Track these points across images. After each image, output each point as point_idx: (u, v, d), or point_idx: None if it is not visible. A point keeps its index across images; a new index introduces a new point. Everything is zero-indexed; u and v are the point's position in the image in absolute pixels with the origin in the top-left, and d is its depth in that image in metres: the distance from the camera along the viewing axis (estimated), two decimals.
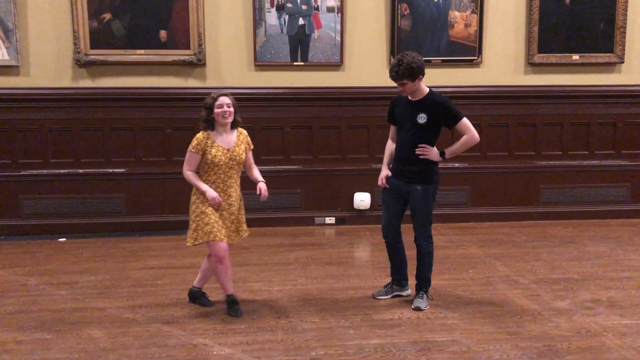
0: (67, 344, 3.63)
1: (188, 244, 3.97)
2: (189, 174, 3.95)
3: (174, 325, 3.88)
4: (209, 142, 3.90)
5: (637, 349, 3.51)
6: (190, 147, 3.93)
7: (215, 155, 3.87)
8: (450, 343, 3.60)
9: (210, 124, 3.92)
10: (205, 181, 3.92)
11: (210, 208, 3.88)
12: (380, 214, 4.39)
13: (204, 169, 3.95)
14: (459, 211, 6.60)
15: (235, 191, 3.99)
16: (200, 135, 3.94)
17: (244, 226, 4.14)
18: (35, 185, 6.21)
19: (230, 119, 3.90)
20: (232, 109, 3.89)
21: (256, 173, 4.13)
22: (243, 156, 3.96)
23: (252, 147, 4.09)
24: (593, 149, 6.73)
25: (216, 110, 3.86)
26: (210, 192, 3.86)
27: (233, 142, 3.94)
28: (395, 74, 3.91)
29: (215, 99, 3.87)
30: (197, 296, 4.25)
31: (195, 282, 4.27)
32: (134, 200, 6.32)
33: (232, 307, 4.04)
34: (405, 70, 3.86)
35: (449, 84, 6.27)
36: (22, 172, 6.21)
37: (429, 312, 4.08)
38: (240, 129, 4.05)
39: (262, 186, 4.01)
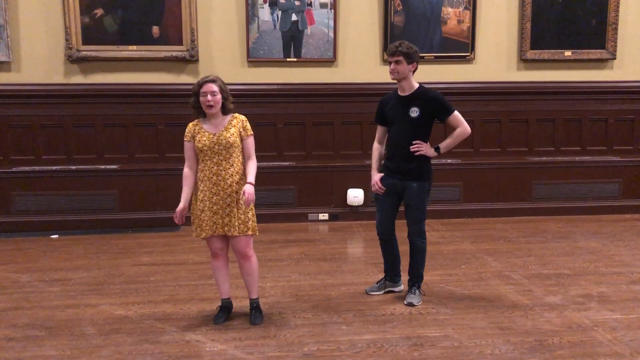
0: (59, 341, 3.62)
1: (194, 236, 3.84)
2: (184, 173, 3.77)
3: (167, 322, 3.88)
4: (197, 128, 3.72)
5: (627, 343, 3.53)
6: (184, 137, 3.78)
7: (200, 140, 3.67)
8: (442, 338, 3.61)
9: (199, 110, 3.72)
10: (198, 170, 3.74)
11: (202, 204, 3.69)
12: (374, 210, 4.40)
13: (198, 158, 3.76)
14: (452, 207, 6.62)
15: (224, 181, 3.65)
16: (190, 123, 3.77)
17: (239, 227, 3.69)
18: (27, 181, 6.19)
19: (214, 110, 3.65)
20: (217, 97, 3.64)
21: (249, 168, 3.71)
22: (231, 140, 3.65)
23: (249, 133, 3.74)
24: (585, 145, 6.77)
25: (201, 98, 3.66)
26: (180, 206, 3.71)
27: (222, 126, 3.70)
28: (395, 48, 3.97)
29: (200, 85, 3.66)
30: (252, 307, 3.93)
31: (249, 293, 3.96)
32: (126, 196, 6.30)
33: (219, 313, 3.92)
34: (405, 47, 3.96)
35: (442, 80, 6.28)
36: (14, 169, 6.18)
37: (421, 307, 4.09)
38: (236, 114, 3.77)
39: (246, 189, 3.59)
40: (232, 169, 3.69)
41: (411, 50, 3.98)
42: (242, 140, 3.75)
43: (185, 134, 3.78)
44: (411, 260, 4.23)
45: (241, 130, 3.75)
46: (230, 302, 3.97)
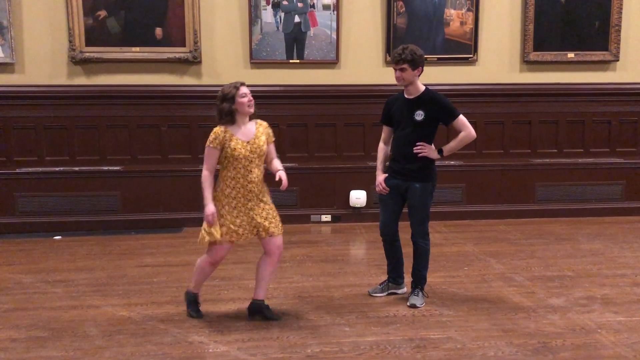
0: (62, 342, 3.63)
1: (199, 239, 3.80)
2: (205, 176, 3.72)
3: (170, 323, 3.88)
4: (227, 135, 3.70)
5: (631, 345, 3.52)
6: (208, 143, 3.73)
7: (235, 149, 3.68)
8: (445, 340, 3.61)
9: (232, 116, 3.71)
10: (225, 177, 3.74)
11: (236, 210, 3.73)
12: (376, 211, 4.40)
13: (224, 164, 3.75)
14: (455, 209, 6.61)
15: (256, 186, 3.77)
16: (217, 129, 3.73)
17: (279, 226, 3.85)
18: (31, 183, 6.20)
19: (253, 110, 3.74)
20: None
21: (276, 163, 3.91)
22: (264, 148, 3.77)
23: (273, 139, 3.89)
24: (588, 147, 6.75)
25: (240, 99, 3.68)
26: (208, 208, 3.70)
27: (252, 133, 3.76)
28: (398, 55, 3.95)
29: (238, 88, 3.70)
30: (260, 309, 3.98)
31: (257, 293, 3.97)
32: (129, 198, 6.31)
33: (193, 307, 4.02)
34: (409, 54, 3.92)
35: (444, 82, 6.28)
36: (18, 170, 6.19)
37: (424, 309, 4.09)
38: (259, 121, 3.84)
39: (282, 174, 3.81)
40: (258, 173, 3.80)
41: (415, 56, 3.94)
42: (266, 144, 3.85)
43: (211, 140, 3.73)
44: (414, 261, 4.23)
45: (267, 136, 3.85)
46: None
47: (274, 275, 4.06)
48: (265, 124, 3.88)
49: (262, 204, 3.81)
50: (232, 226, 3.75)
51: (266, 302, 4.00)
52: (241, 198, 3.75)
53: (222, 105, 3.73)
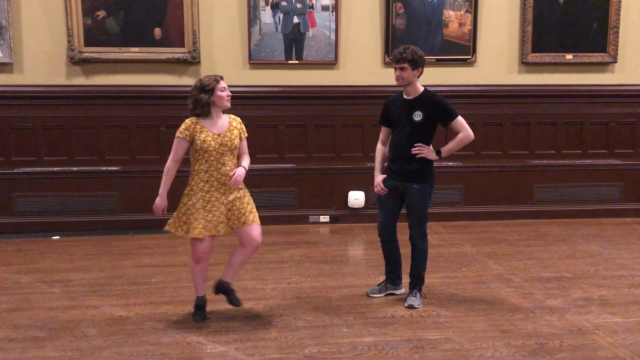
0: (60, 342, 3.63)
1: (166, 228, 3.84)
2: (169, 167, 3.76)
3: (168, 323, 3.88)
4: (198, 127, 3.69)
5: (628, 346, 3.53)
6: (177, 133, 3.72)
7: (205, 141, 3.66)
8: (443, 341, 3.61)
9: (208, 108, 3.68)
10: (197, 171, 3.72)
11: (210, 205, 3.71)
12: (375, 212, 4.40)
13: (195, 157, 3.73)
14: (453, 210, 6.62)
15: (229, 180, 3.73)
16: (188, 120, 3.72)
17: (250, 216, 3.77)
18: (29, 182, 6.20)
19: (230, 104, 3.74)
20: None
21: (243, 159, 3.85)
22: (236, 142, 3.74)
23: (246, 135, 3.88)
24: (586, 148, 6.77)
25: (219, 93, 3.67)
26: (160, 200, 3.77)
27: (224, 127, 3.73)
28: (399, 54, 3.97)
29: (218, 81, 3.68)
30: (225, 290, 3.97)
31: (225, 274, 3.97)
32: (127, 198, 6.31)
33: (197, 312, 3.96)
34: (410, 53, 3.95)
35: (443, 83, 6.29)
36: (16, 170, 6.19)
37: (422, 310, 4.09)
38: (232, 116, 3.84)
39: (237, 170, 3.71)
40: (232, 166, 3.77)
41: (416, 56, 3.97)
42: (238, 138, 3.82)
43: (182, 130, 3.73)
44: (412, 262, 4.23)
45: (241, 132, 3.85)
46: (206, 298, 4.01)
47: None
48: (238, 119, 3.86)
49: (236, 195, 3.76)
50: (207, 222, 3.71)
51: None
52: (214, 192, 3.71)
53: (199, 96, 3.68)
